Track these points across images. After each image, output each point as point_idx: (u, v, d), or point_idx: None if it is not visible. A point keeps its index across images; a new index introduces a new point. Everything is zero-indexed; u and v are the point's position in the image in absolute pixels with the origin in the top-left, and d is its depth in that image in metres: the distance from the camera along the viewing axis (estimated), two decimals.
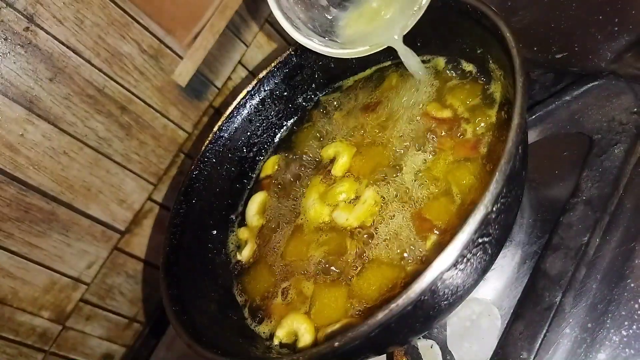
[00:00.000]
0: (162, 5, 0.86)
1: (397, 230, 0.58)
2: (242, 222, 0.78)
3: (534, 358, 0.54)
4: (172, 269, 0.66)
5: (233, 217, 0.80)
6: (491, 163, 0.56)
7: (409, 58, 0.62)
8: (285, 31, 0.62)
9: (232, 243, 0.77)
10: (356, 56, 0.64)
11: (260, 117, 0.82)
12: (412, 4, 0.59)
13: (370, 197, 0.62)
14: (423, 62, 0.72)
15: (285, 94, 0.82)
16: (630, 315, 0.51)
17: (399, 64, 0.75)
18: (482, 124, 0.60)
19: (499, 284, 0.61)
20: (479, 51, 0.63)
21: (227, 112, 0.79)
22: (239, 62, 1.01)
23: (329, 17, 0.62)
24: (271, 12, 0.64)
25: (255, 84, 0.80)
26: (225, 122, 0.79)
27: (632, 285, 0.52)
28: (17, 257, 0.80)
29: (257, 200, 0.76)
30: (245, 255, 0.72)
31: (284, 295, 0.64)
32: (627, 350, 0.50)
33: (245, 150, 0.82)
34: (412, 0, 0.59)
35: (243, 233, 0.75)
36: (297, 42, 0.64)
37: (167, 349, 0.92)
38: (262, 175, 0.81)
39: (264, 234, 0.72)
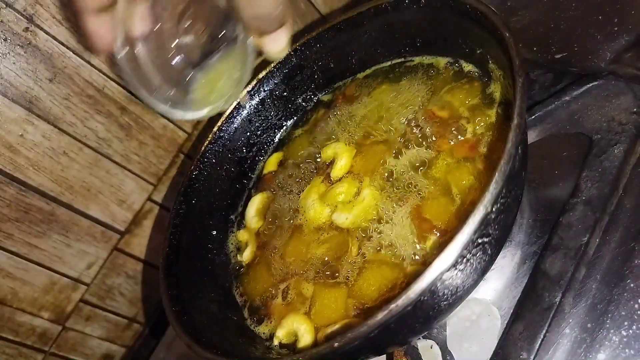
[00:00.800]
0: None
1: (397, 231, 0.58)
2: (242, 223, 0.78)
3: (534, 358, 0.54)
4: (171, 270, 0.66)
5: (233, 217, 0.80)
6: (491, 163, 0.56)
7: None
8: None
9: (231, 244, 0.77)
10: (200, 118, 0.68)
11: (260, 118, 0.82)
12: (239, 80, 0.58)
13: (370, 197, 0.62)
14: (423, 62, 0.72)
15: (285, 94, 0.82)
16: (630, 316, 0.51)
17: (398, 64, 0.76)
18: (482, 124, 0.60)
19: (499, 284, 0.61)
20: (478, 51, 0.63)
21: (227, 113, 0.79)
22: None
23: (185, 79, 0.59)
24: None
25: (255, 84, 0.80)
26: (225, 123, 0.79)
27: (632, 285, 0.52)
28: (17, 258, 0.80)
29: (256, 202, 0.76)
30: (245, 257, 0.72)
31: (284, 295, 0.64)
32: (626, 350, 0.50)
33: (245, 150, 0.82)
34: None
35: (243, 235, 0.75)
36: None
37: (167, 349, 0.92)
38: (265, 171, 0.81)
39: (264, 235, 0.73)
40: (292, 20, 0.49)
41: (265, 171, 0.81)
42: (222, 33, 0.54)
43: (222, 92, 0.57)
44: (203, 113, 0.57)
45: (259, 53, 0.50)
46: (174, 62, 0.56)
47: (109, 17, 0.47)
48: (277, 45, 0.49)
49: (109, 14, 0.47)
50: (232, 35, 0.52)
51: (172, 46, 0.55)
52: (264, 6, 0.45)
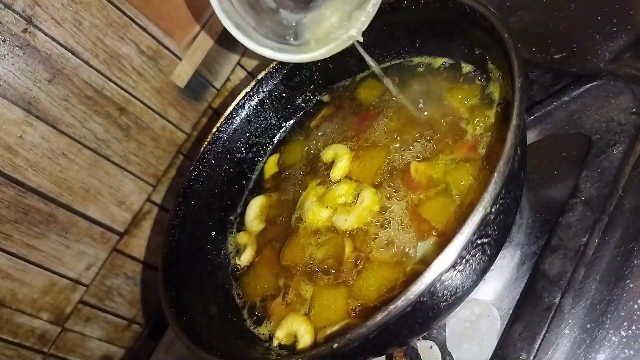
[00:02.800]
0: (160, 7, 0.86)
1: (396, 231, 0.58)
2: (241, 224, 0.78)
3: (533, 359, 0.53)
4: (171, 271, 0.66)
5: (232, 218, 0.80)
6: (490, 164, 0.56)
7: (368, 59, 0.60)
8: (237, 40, 0.57)
9: (231, 244, 0.77)
10: (317, 59, 0.60)
11: (259, 118, 0.82)
12: (364, 3, 0.56)
13: (369, 198, 0.62)
14: (422, 63, 0.72)
15: (284, 95, 0.82)
16: (630, 316, 0.51)
17: (398, 65, 0.76)
18: (481, 125, 0.60)
19: (498, 285, 0.61)
20: (477, 52, 0.63)
21: (226, 113, 0.79)
22: (238, 63, 1.01)
23: (282, 22, 0.58)
24: None
25: (254, 85, 0.80)
26: (224, 123, 0.79)
27: (631, 285, 0.52)
28: (16, 259, 0.80)
29: (255, 205, 0.76)
30: (244, 259, 0.72)
31: (284, 296, 0.64)
32: (626, 350, 0.50)
33: (244, 151, 0.82)
34: (362, 1, 0.56)
35: (242, 238, 0.75)
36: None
37: (166, 350, 0.92)
38: (267, 176, 0.81)
39: (264, 236, 0.72)
40: None
41: (264, 174, 0.81)
42: None
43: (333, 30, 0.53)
44: (317, 53, 0.54)
45: None
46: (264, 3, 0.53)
47: None
48: None
49: None
50: None
51: None
52: None
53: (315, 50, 0.56)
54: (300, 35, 0.58)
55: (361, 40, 0.59)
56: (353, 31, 0.56)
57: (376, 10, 0.57)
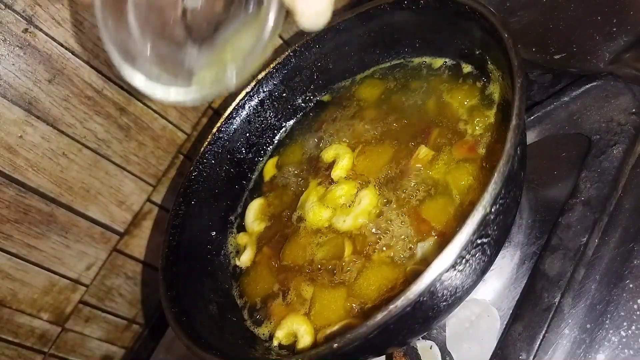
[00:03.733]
0: None
1: (396, 231, 0.58)
2: (241, 224, 0.78)
3: (533, 359, 0.53)
4: (171, 271, 0.66)
5: (232, 218, 0.80)
6: (490, 164, 0.56)
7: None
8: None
9: (231, 245, 0.77)
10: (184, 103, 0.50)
11: (259, 118, 0.82)
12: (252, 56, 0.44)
13: (368, 198, 0.62)
14: (422, 63, 0.72)
15: (284, 95, 0.82)
16: (629, 316, 0.51)
17: (398, 65, 0.76)
18: (481, 125, 0.60)
19: (498, 285, 0.61)
20: (477, 52, 0.63)
21: (226, 113, 0.79)
22: None
23: (181, 60, 0.47)
24: None
25: (254, 85, 0.80)
26: (224, 124, 0.79)
27: (631, 285, 0.52)
28: (16, 259, 0.80)
29: (255, 206, 0.76)
30: (244, 260, 0.72)
31: (284, 296, 0.64)
32: (626, 350, 0.50)
33: (244, 151, 0.82)
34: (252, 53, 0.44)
35: (242, 238, 0.75)
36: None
37: (167, 350, 0.92)
38: (266, 178, 0.81)
39: (264, 237, 0.72)
40: None
41: (265, 176, 0.81)
42: None
43: (224, 73, 0.42)
44: (194, 96, 0.43)
45: (286, 17, 0.35)
46: (173, 31, 0.44)
47: None
48: (318, 4, 0.31)
49: None
50: None
51: (174, 10, 0.43)
52: None
53: (192, 92, 0.45)
54: (189, 75, 0.47)
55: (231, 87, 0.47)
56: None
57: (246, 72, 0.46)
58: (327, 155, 0.72)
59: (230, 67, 0.42)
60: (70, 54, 0.78)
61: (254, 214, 0.76)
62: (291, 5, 0.32)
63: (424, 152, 0.61)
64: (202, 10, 0.43)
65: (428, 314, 0.48)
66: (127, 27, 0.41)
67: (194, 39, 0.45)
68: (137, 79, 0.43)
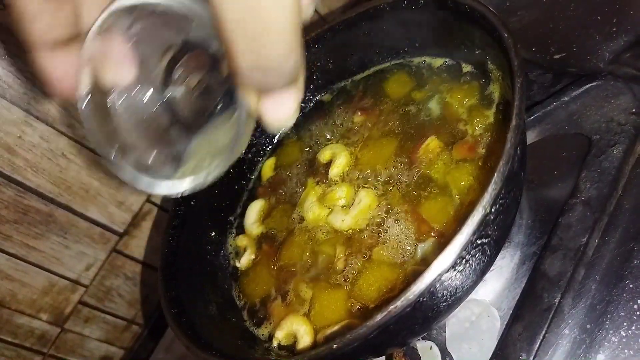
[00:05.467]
0: None
1: (396, 232, 0.58)
2: (241, 224, 0.78)
3: (533, 359, 0.53)
4: (170, 271, 0.66)
5: (232, 218, 0.80)
6: (490, 164, 0.56)
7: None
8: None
9: (230, 245, 0.77)
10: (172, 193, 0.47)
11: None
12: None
13: (366, 198, 0.62)
14: (422, 63, 0.72)
15: None
16: (629, 316, 0.51)
17: (397, 65, 0.75)
18: (481, 125, 0.60)
19: (498, 285, 0.61)
20: (477, 52, 0.63)
21: None
22: None
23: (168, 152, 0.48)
24: None
25: None
26: None
27: (631, 286, 0.52)
28: (16, 259, 0.80)
29: (255, 209, 0.76)
30: (243, 262, 0.72)
31: (284, 297, 0.64)
32: (626, 350, 0.50)
33: (243, 151, 0.82)
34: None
35: (242, 240, 0.75)
36: None
37: (166, 351, 0.92)
38: (264, 179, 0.80)
39: (263, 237, 0.72)
40: (304, 76, 0.34)
41: (262, 178, 0.81)
42: (222, 89, 0.41)
43: (203, 165, 0.43)
44: (177, 187, 0.42)
45: (256, 120, 0.35)
46: (156, 122, 0.44)
47: (70, 54, 0.35)
48: (283, 111, 0.32)
49: (70, 50, 0.35)
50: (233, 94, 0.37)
51: (156, 101, 0.43)
52: (271, 51, 0.28)
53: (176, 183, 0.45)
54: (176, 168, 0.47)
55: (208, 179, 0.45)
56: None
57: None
58: (324, 155, 0.72)
59: (208, 162, 0.42)
60: None
61: (254, 216, 0.75)
62: (260, 114, 0.33)
63: (434, 143, 0.61)
64: (183, 99, 0.43)
65: (428, 314, 0.48)
66: (112, 122, 0.42)
67: (179, 128, 0.45)
68: (125, 174, 0.43)
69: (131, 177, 0.43)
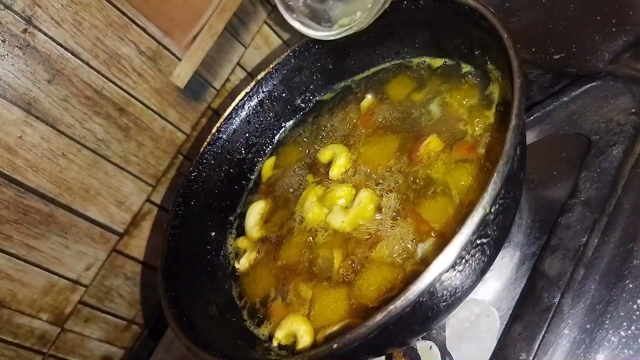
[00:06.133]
0: (160, 7, 0.86)
1: (395, 232, 0.58)
2: (241, 224, 0.78)
3: (533, 359, 0.53)
4: (170, 271, 0.66)
5: (232, 218, 0.80)
6: (489, 164, 0.56)
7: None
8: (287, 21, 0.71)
9: (230, 245, 0.77)
10: (328, 38, 0.70)
11: (258, 119, 0.82)
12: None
13: (366, 198, 0.62)
14: (422, 63, 0.72)
15: (284, 95, 0.82)
16: (629, 316, 0.51)
17: (397, 65, 0.76)
18: (480, 125, 0.60)
19: (498, 285, 0.61)
20: (477, 52, 0.63)
21: (226, 114, 0.79)
22: (238, 63, 1.01)
23: (323, 8, 0.72)
24: (269, 13, 0.65)
25: (254, 86, 0.80)
26: (224, 124, 0.79)
27: (631, 285, 0.52)
28: (16, 259, 0.80)
29: (255, 210, 0.76)
30: (243, 264, 0.72)
31: (284, 297, 0.64)
32: (625, 350, 0.50)
33: (243, 151, 0.82)
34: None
35: (242, 242, 0.75)
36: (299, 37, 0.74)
37: (166, 351, 0.92)
38: (264, 179, 0.81)
39: (263, 240, 0.72)
40: None
41: (262, 177, 0.81)
42: None
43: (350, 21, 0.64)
44: (333, 33, 0.66)
45: None
46: None
47: None
48: None
49: None
50: None
51: None
52: None
53: (329, 31, 0.68)
54: (330, 21, 0.71)
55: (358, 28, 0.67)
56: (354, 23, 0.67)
57: (378, 9, 0.65)
58: (324, 155, 0.72)
59: (359, 14, 0.66)
60: (70, 54, 0.78)
61: (255, 219, 0.75)
62: None
63: (435, 142, 0.61)
64: None
65: (428, 314, 0.48)
66: None
67: None
68: (296, 25, 0.69)
69: (300, 29, 0.68)
